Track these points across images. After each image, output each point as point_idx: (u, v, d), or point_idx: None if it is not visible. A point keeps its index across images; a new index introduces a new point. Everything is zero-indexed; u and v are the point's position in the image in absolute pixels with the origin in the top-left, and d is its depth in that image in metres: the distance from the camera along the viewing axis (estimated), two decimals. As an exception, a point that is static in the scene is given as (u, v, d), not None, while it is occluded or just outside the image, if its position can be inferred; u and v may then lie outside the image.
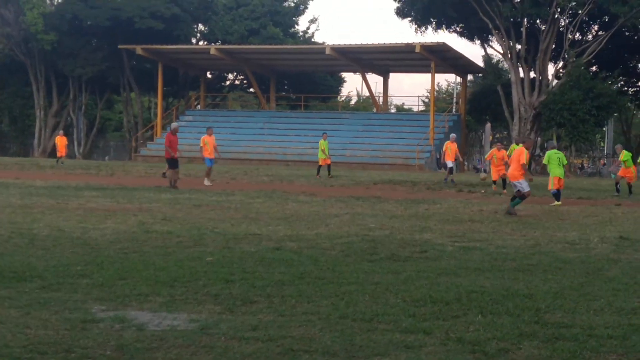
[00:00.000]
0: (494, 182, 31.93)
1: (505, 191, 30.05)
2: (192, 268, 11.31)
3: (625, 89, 68.79)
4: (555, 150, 26.77)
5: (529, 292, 10.03)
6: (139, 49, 64.73)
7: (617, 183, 31.83)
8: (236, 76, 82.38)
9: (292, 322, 8.28)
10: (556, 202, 25.31)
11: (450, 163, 37.05)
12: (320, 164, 40.13)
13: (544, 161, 26.67)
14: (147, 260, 11.95)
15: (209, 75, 78.43)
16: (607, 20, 59.37)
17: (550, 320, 8.48)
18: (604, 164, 74.80)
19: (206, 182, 31.45)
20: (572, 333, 7.95)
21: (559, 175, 25.73)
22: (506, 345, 7.51)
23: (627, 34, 61.53)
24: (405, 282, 10.60)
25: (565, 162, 26.86)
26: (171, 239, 14.47)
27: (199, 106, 74.55)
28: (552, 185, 25.75)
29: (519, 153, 21.58)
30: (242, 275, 10.82)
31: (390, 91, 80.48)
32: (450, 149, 36.75)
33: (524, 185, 21.53)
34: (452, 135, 39.41)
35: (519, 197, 21.46)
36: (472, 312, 8.80)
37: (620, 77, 65.37)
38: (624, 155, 31.39)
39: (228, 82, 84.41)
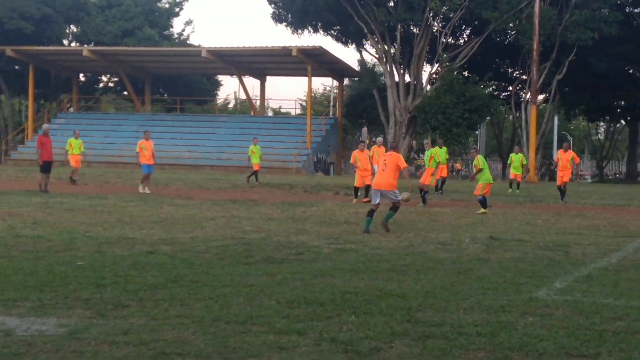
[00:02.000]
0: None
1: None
2: (63, 272, 11.06)
3: (497, 92, 70.49)
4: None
5: (401, 291, 10.15)
6: (8, 50, 63.16)
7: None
8: (110, 78, 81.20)
9: (164, 325, 8.17)
10: (482, 210, 23.79)
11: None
12: (255, 169, 39.59)
13: (481, 165, 24.80)
14: (16, 265, 11.63)
15: (82, 77, 77.06)
16: (478, 25, 60.75)
17: (421, 319, 8.59)
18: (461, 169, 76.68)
19: (140, 189, 29.79)
20: (442, 331, 8.07)
21: (489, 181, 24.55)
22: (378, 344, 7.57)
23: (497, 39, 63.09)
24: (280, 284, 10.60)
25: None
26: (41, 244, 14.13)
27: (71, 109, 73.16)
28: (480, 192, 24.31)
29: (397, 158, 18.50)
30: (114, 279, 10.63)
31: (268, 94, 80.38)
32: (377, 153, 34.99)
33: (397, 194, 18.40)
34: (379, 139, 38.49)
35: (394, 209, 18.22)
36: (345, 313, 8.84)
37: (492, 81, 67.01)
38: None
39: (102, 85, 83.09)
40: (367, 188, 27.69)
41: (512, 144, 71.35)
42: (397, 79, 60.34)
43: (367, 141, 73.46)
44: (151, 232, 16.43)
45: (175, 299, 9.41)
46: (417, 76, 60.22)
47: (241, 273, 11.41)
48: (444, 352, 7.36)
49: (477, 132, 78.22)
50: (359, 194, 28.41)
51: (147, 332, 7.86)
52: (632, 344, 7.68)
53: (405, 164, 18.49)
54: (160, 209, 22.44)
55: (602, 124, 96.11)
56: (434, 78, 61.60)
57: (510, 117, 75.17)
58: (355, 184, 28.61)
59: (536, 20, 53.45)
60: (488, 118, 69.53)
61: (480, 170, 24.57)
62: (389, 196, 17.95)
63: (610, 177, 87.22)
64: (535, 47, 54.37)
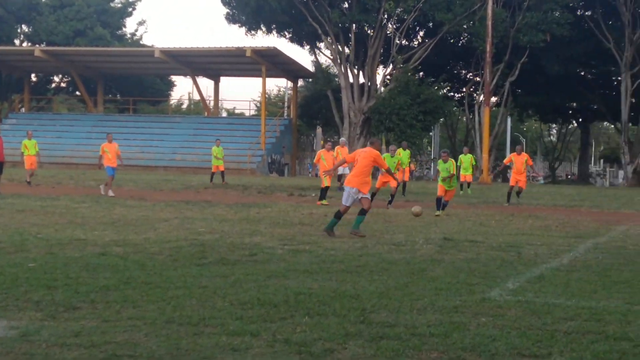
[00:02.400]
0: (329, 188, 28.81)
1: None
2: (13, 274, 10.91)
3: (451, 94, 70.94)
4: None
5: (355, 292, 10.14)
6: (-42, 50, 62.50)
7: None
8: (62, 78, 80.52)
9: (116, 327, 8.09)
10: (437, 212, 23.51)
11: (346, 170, 34.92)
12: (213, 170, 39.29)
13: (454, 170, 23.93)
14: (-35, 268, 11.47)
15: (33, 77, 76.32)
16: (432, 27, 61.09)
17: (375, 320, 8.58)
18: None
19: (103, 191, 29.19)
20: (395, 332, 8.07)
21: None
22: (332, 345, 7.54)
23: (451, 40, 63.44)
24: (234, 285, 10.54)
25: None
26: (-8, 246, 13.94)
27: (23, 109, 72.43)
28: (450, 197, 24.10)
29: (373, 156, 17.13)
30: (66, 281, 10.51)
31: (222, 95, 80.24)
32: (341, 153, 34.05)
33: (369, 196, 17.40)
34: (342, 139, 38.01)
35: (362, 212, 17.17)
36: (299, 314, 8.81)
37: (446, 83, 67.41)
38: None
39: (54, 85, 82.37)
40: (327, 189, 27.75)
41: (465, 145, 71.87)
42: (351, 80, 60.47)
43: (322, 142, 73.59)
44: (103, 234, 16.28)
45: (128, 301, 9.32)
46: (371, 77, 60.40)
47: (194, 274, 11.34)
48: (397, 352, 7.36)
49: (431, 134, 78.54)
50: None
51: (99, 334, 7.78)
52: (583, 344, 7.73)
53: (386, 165, 17.71)
54: (113, 210, 22.26)
55: (554, 125, 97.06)
56: (388, 79, 61.82)
57: (464, 118, 75.65)
58: (323, 185, 27.90)
59: (489, 23, 53.85)
60: (442, 119, 69.87)
61: (452, 175, 24.11)
62: (360, 196, 16.90)
63: (562, 178, 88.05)
64: (488, 49, 54.78)
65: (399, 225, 19.95)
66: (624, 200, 35.22)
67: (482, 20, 56.14)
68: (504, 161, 32.78)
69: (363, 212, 17.00)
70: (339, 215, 17.07)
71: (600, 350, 7.50)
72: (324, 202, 27.18)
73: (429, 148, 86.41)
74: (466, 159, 37.76)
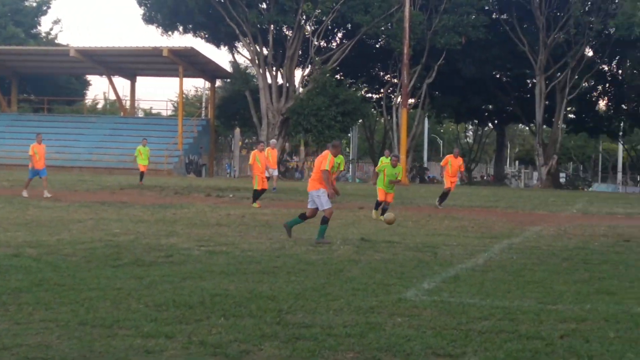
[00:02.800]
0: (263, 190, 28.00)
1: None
2: None
3: (369, 95, 71.27)
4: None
5: (272, 293, 10.12)
6: None
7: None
8: (-26, 78, 78.82)
9: (28, 330, 7.95)
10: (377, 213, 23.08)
11: (275, 171, 34.66)
12: (141, 170, 38.73)
13: (401, 176, 23.76)
14: None
15: (-55, 76, 74.60)
16: (350, 28, 61.33)
17: (291, 321, 8.58)
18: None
19: (25, 193, 28.25)
20: (312, 333, 8.07)
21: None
22: (248, 346, 7.52)
23: (369, 42, 63.75)
24: (149, 287, 10.44)
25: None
26: None
27: None
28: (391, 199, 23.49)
29: (321, 158, 16.86)
30: (-24, 283, 10.30)
31: (138, 95, 79.47)
32: (271, 155, 32.64)
33: (322, 201, 16.34)
34: (272, 141, 37.45)
35: (324, 222, 16.34)
36: (215, 315, 8.76)
37: (364, 84, 67.71)
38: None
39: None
40: (263, 192, 27.52)
41: (383, 147, 72.30)
42: (269, 81, 60.37)
43: (240, 143, 73.45)
44: (16, 235, 15.99)
45: (40, 303, 9.17)
46: (289, 78, 60.38)
47: (109, 276, 11.20)
48: (313, 353, 7.36)
49: (349, 135, 78.87)
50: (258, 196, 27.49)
51: (10, 337, 7.64)
52: (496, 344, 7.83)
53: (324, 166, 16.53)
54: (26, 211, 21.89)
55: (470, 127, 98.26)
56: (306, 80, 61.88)
57: (382, 120, 76.12)
58: (256, 187, 27.16)
59: (406, 25, 54.20)
60: (360, 121, 70.15)
61: (399, 181, 23.82)
62: (314, 200, 16.42)
63: (478, 180, 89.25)
64: (405, 51, 55.13)
65: (317, 226, 19.94)
66: (537, 201, 35.78)
67: (399, 22, 56.47)
68: (441, 163, 32.47)
69: (325, 221, 16.30)
70: (303, 216, 16.94)
71: (513, 349, 7.60)
72: (256, 205, 26.71)
73: (347, 149, 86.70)
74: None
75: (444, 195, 29.66)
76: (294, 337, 7.92)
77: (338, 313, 9.07)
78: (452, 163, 29.27)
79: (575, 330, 8.49)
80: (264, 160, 27.87)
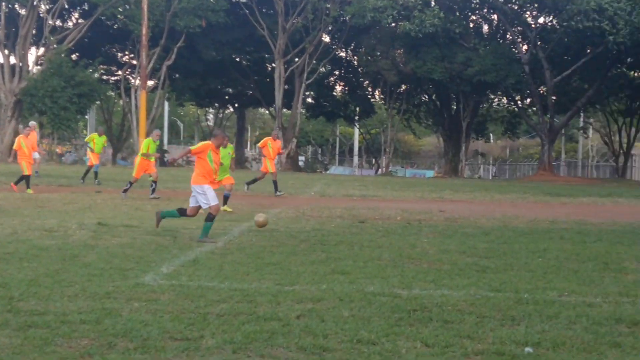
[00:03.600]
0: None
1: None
2: None
3: (107, 77, 70.04)
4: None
5: (3, 281, 9.74)
6: None
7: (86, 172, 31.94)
8: None
9: None
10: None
11: (36, 154, 31.67)
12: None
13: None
14: None
15: None
16: (87, 8, 60.04)
17: (23, 309, 8.28)
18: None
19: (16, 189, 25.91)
20: (45, 320, 7.82)
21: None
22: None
23: (107, 22, 62.69)
24: None
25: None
26: None
27: None
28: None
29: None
30: None
31: None
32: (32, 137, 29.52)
33: (209, 197, 14.66)
34: (32, 123, 34.34)
35: (209, 219, 14.75)
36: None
37: (102, 66, 66.38)
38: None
39: None
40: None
41: (122, 129, 71.30)
42: (1, 60, 58.13)
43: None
44: None
45: None
46: (23, 58, 58.37)
47: None
48: (46, 341, 7.12)
49: (86, 117, 77.08)
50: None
51: None
52: (234, 325, 7.88)
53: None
54: None
55: (211, 110, 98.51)
56: (41, 61, 60.00)
57: (121, 102, 74.96)
58: (26, 172, 26.09)
59: (144, 6, 53.45)
60: (98, 102, 68.76)
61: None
62: (197, 196, 14.80)
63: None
64: (144, 32, 54.37)
65: (52, 211, 19.41)
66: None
67: (137, 3, 55.79)
68: (259, 144, 30.84)
69: (210, 219, 14.73)
70: (182, 212, 15.26)
71: (251, 331, 7.67)
72: (30, 191, 25.67)
73: (84, 131, 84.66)
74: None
75: (255, 180, 29.22)
76: (26, 324, 7.65)
77: (73, 299, 8.84)
78: (272, 146, 28.67)
79: (312, 310, 8.67)
80: (30, 145, 26.95)
